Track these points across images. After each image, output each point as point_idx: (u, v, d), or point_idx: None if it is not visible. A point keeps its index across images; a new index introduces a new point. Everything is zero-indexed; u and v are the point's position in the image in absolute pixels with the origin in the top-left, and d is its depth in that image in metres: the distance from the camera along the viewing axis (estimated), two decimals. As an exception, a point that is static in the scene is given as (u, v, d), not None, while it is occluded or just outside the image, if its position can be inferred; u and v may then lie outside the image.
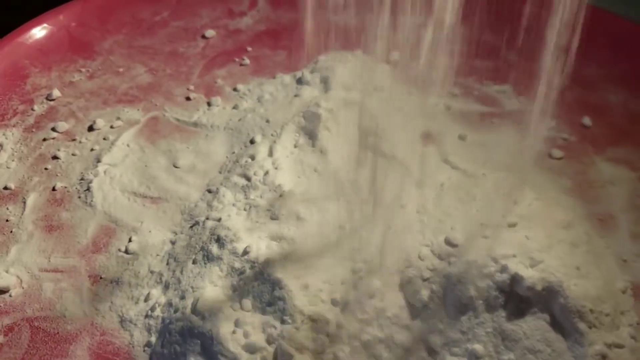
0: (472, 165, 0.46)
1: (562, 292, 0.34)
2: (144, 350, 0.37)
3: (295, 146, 0.49)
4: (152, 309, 0.38)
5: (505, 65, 0.60)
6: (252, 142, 0.50)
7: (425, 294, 0.36)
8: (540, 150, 0.51)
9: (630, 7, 0.63)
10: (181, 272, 0.40)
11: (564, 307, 0.34)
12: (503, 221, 0.38)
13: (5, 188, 0.48)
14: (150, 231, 0.44)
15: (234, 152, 0.50)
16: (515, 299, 0.35)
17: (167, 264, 0.41)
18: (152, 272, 0.41)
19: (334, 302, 0.36)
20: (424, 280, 0.37)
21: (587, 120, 0.54)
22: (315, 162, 0.47)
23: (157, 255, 0.42)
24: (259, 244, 0.39)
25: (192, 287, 0.38)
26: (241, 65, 0.62)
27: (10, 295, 0.40)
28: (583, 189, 0.48)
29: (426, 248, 0.38)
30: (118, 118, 0.54)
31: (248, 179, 0.46)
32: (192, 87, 0.58)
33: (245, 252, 0.39)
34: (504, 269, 0.35)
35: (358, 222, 0.42)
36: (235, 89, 0.58)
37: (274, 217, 0.42)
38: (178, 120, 0.55)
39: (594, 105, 0.56)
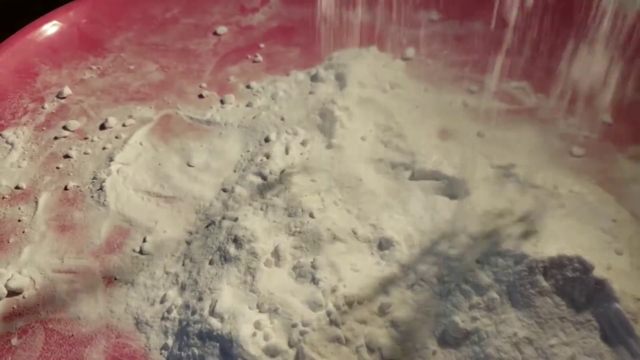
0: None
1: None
2: (161, 353, 0.36)
3: (311, 144, 0.48)
4: (169, 310, 0.37)
5: (524, 62, 0.59)
6: (266, 140, 0.49)
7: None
8: (561, 148, 0.50)
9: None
10: (198, 273, 0.39)
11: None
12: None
13: (17, 187, 0.47)
14: (165, 231, 0.43)
15: (248, 151, 0.49)
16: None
17: (183, 264, 0.41)
18: (167, 273, 0.40)
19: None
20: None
21: (607, 117, 0.53)
22: (332, 160, 0.46)
23: (173, 255, 0.42)
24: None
25: (209, 289, 0.37)
26: (254, 62, 0.61)
27: (23, 297, 0.39)
28: (605, 188, 0.47)
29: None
30: (130, 116, 0.54)
31: (264, 177, 0.45)
32: (204, 85, 0.58)
33: (264, 252, 0.38)
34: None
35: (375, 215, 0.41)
36: (248, 87, 0.57)
37: (291, 216, 0.41)
38: (191, 118, 0.54)
39: (615, 102, 0.55)
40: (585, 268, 0.35)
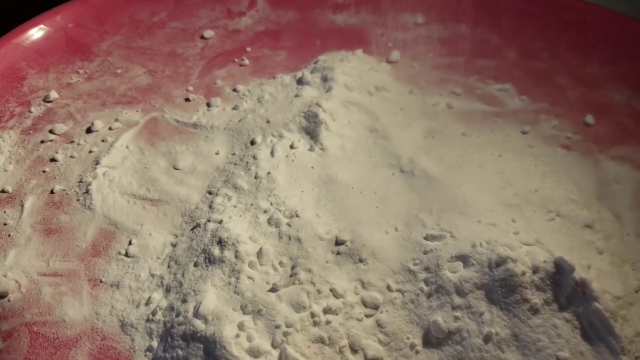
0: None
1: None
2: (146, 355, 0.36)
3: (296, 147, 0.48)
4: (154, 312, 0.38)
5: (507, 64, 0.59)
6: (252, 142, 0.50)
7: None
8: (544, 149, 0.50)
9: (633, 5, 0.62)
10: (182, 275, 0.39)
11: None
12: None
13: (3, 191, 0.47)
14: (150, 234, 0.44)
15: (234, 153, 0.50)
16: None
17: (168, 267, 0.41)
18: (152, 275, 0.40)
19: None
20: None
21: (590, 119, 0.54)
22: (317, 162, 0.47)
23: (158, 258, 0.42)
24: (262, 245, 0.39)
25: (193, 291, 0.37)
26: (241, 65, 0.61)
27: (8, 300, 0.39)
28: (587, 187, 0.47)
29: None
30: (117, 120, 0.54)
31: (249, 180, 0.45)
32: (191, 88, 0.58)
33: (247, 254, 0.38)
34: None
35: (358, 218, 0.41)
36: (235, 90, 0.58)
37: (275, 218, 0.41)
38: (177, 121, 0.54)
39: (597, 103, 0.55)
40: (566, 269, 0.35)
